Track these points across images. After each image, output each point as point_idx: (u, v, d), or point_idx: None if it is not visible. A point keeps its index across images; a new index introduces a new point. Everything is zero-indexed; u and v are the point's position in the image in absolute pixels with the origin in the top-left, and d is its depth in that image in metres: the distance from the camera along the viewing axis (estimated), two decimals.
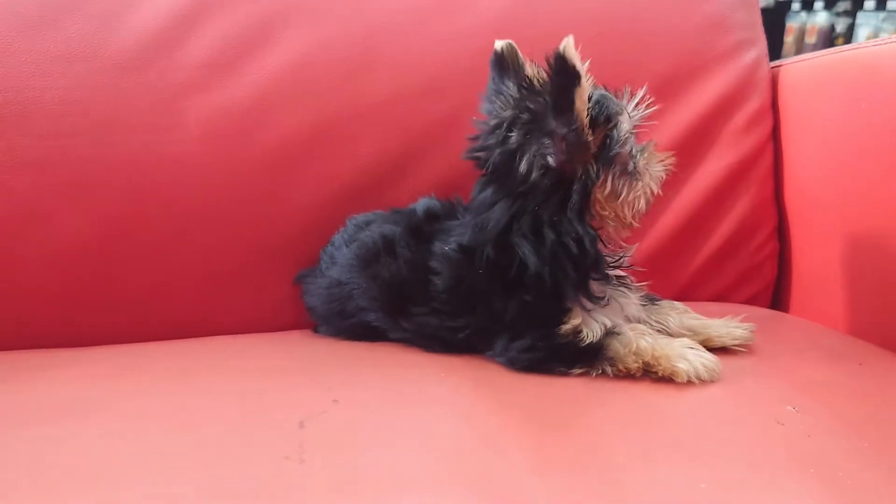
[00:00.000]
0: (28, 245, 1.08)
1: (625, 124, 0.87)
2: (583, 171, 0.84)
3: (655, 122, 0.93)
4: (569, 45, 0.78)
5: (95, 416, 0.77)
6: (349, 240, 1.07)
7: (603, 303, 0.89)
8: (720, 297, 1.32)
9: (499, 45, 0.89)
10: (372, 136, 1.18)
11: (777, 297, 1.35)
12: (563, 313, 0.87)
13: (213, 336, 1.14)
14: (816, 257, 1.24)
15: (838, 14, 5.50)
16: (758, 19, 1.32)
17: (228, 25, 1.15)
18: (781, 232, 1.32)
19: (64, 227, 1.09)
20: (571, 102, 0.79)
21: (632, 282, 0.95)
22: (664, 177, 0.93)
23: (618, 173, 0.86)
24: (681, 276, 1.30)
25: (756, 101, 1.28)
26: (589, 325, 0.87)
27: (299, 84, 1.16)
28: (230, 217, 1.15)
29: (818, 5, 5.35)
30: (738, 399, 0.80)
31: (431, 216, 1.03)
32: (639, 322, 0.93)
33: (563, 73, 0.79)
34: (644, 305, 0.97)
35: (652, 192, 0.91)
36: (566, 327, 0.87)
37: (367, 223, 1.08)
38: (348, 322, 1.04)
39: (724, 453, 0.68)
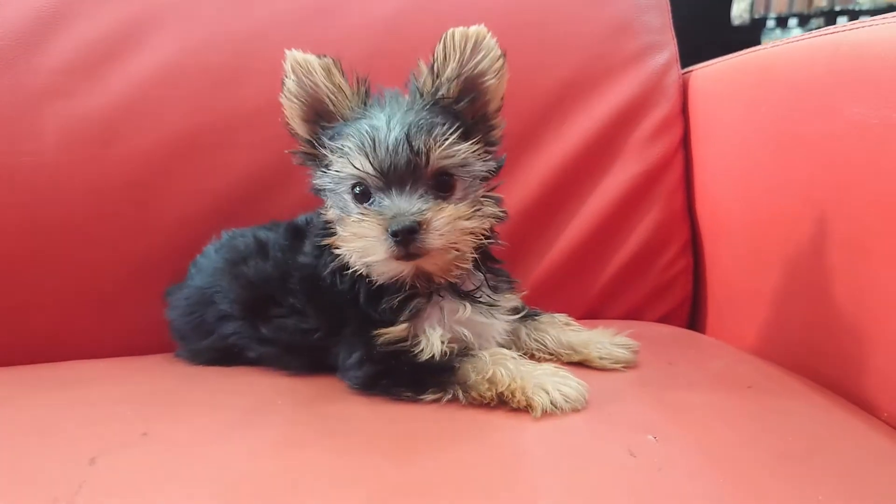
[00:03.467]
0: None
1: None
2: None
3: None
4: None
5: None
6: (220, 247, 1.01)
7: (403, 318, 0.81)
8: (632, 314, 1.25)
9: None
10: (248, 146, 1.11)
11: (695, 314, 1.28)
12: (382, 322, 0.81)
13: (69, 360, 1.06)
14: (728, 273, 1.17)
15: (812, 31, 5.51)
16: (668, 22, 1.26)
17: (92, 28, 1.08)
18: (695, 247, 1.25)
19: None
20: None
21: (501, 301, 0.88)
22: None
23: None
24: (588, 293, 1.23)
25: (664, 108, 1.22)
26: (422, 335, 0.81)
27: (168, 90, 1.09)
28: (95, 233, 1.07)
29: (792, 22, 5.36)
30: (597, 428, 0.72)
31: (297, 232, 0.96)
32: (503, 346, 0.85)
33: None
34: (521, 322, 0.91)
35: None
36: (384, 337, 0.80)
37: (243, 234, 1.01)
38: (205, 339, 0.97)
39: (564, 492, 0.60)
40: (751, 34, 4.32)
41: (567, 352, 0.91)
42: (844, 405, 0.81)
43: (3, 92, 1.04)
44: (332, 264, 0.84)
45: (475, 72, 0.80)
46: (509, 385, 0.75)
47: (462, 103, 0.81)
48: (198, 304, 0.97)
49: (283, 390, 0.83)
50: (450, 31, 0.79)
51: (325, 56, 0.81)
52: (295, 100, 0.83)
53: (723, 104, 1.14)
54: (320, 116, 0.84)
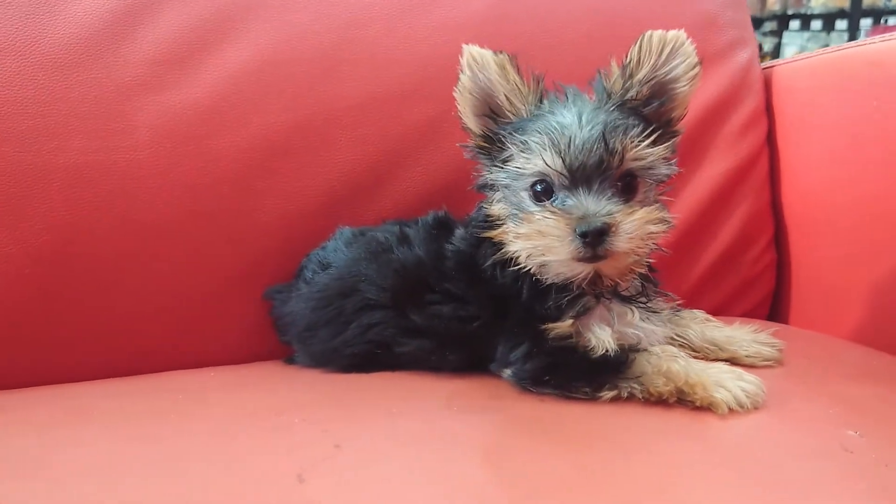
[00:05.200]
0: None
1: None
2: None
3: None
4: None
5: (33, 472, 0.62)
6: (351, 240, 0.96)
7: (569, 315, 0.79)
8: (718, 310, 1.23)
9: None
10: (349, 142, 1.06)
11: (775, 308, 1.28)
12: (547, 317, 0.79)
13: (172, 371, 0.99)
14: (817, 266, 1.18)
15: (765, 34, 5.68)
16: (747, 18, 1.27)
17: (184, 17, 1.01)
18: (778, 241, 1.26)
19: None
20: None
21: (655, 305, 0.86)
22: None
23: None
24: (677, 290, 1.19)
25: (751, 104, 1.22)
26: (589, 333, 0.79)
27: (266, 84, 1.03)
28: (190, 233, 1.01)
29: None
30: (793, 425, 0.71)
31: (441, 223, 0.94)
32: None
33: None
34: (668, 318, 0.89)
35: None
36: (554, 332, 0.78)
37: (374, 228, 0.98)
38: (341, 333, 0.90)
39: (799, 487, 0.59)
40: None
41: (711, 348, 0.89)
42: None
43: (91, 85, 0.96)
44: (494, 258, 0.81)
45: (668, 77, 0.79)
46: (687, 379, 0.73)
47: (651, 107, 0.80)
48: (336, 294, 0.91)
49: (447, 394, 0.79)
50: (647, 34, 0.78)
51: (501, 52, 0.79)
52: (468, 94, 0.81)
53: (818, 99, 1.14)
54: (493, 112, 0.82)
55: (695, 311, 0.94)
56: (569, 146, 0.74)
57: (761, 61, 1.27)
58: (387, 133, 1.08)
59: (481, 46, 0.81)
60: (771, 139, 1.24)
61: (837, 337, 1.08)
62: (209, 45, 1.02)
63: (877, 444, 0.66)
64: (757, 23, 5.77)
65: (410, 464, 0.62)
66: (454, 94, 0.82)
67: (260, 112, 1.03)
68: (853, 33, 5.33)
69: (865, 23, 5.33)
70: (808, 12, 5.70)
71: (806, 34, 5.65)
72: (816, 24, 5.66)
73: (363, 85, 1.07)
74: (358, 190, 1.07)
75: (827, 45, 4.20)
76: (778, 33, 5.74)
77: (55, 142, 0.94)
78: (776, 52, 5.51)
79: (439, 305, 0.86)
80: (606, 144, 0.73)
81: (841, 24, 5.47)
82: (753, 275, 1.24)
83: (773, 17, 5.88)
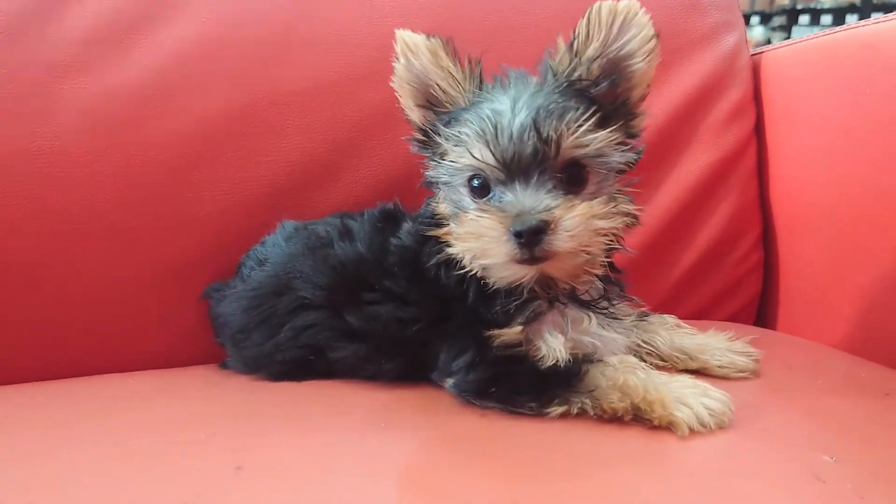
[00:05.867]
0: None
1: None
2: None
3: None
4: None
5: None
6: (291, 235, 0.89)
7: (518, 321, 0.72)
8: (700, 314, 1.16)
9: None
10: (297, 128, 0.99)
11: (762, 312, 1.20)
12: (494, 323, 0.71)
13: (101, 375, 0.92)
14: (806, 269, 1.10)
15: (773, 29, 5.57)
16: (735, 1, 1.18)
17: None
18: (766, 240, 1.17)
19: None
20: None
21: (618, 310, 0.79)
22: None
23: None
24: (657, 291, 1.14)
25: (737, 92, 1.14)
26: (539, 341, 0.71)
27: (208, 65, 0.96)
28: (124, 227, 0.94)
29: (754, 20, 5.41)
30: (761, 448, 0.63)
31: (388, 216, 0.87)
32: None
33: None
34: (633, 324, 0.82)
35: None
36: (501, 339, 0.71)
37: (315, 222, 0.91)
38: (274, 336, 0.83)
39: None
40: None
41: (681, 357, 0.82)
42: None
43: (14, 67, 0.90)
44: (438, 257, 0.74)
45: (621, 53, 0.71)
46: (645, 395, 0.66)
47: (601, 87, 0.71)
48: (270, 293, 0.84)
49: (379, 406, 0.72)
50: (596, 5, 0.69)
51: (434, 36, 0.72)
52: (406, 84, 0.75)
53: (809, 87, 1.06)
54: (431, 102, 0.75)
55: (665, 315, 0.86)
56: (498, 136, 0.66)
57: None
58: (338, 119, 1.00)
59: (429, 29, 0.74)
60: (759, 130, 1.15)
61: (827, 344, 1.00)
62: (146, 24, 0.95)
63: (854, 471, 0.58)
64: (766, 17, 5.67)
65: (313, 491, 0.55)
66: (391, 84, 0.75)
67: (200, 96, 0.96)
68: None
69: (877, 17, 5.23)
70: (818, 7, 5.59)
71: (816, 29, 5.53)
72: (826, 19, 5.55)
73: (314, 68, 0.99)
74: (306, 181, 1.00)
75: None
76: (787, 28, 5.63)
77: None
78: None
79: (378, 306, 0.78)
80: (539, 131, 0.65)
81: (851, 19, 5.35)
82: (738, 276, 1.16)
83: (783, 11, 5.77)
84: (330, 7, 1.01)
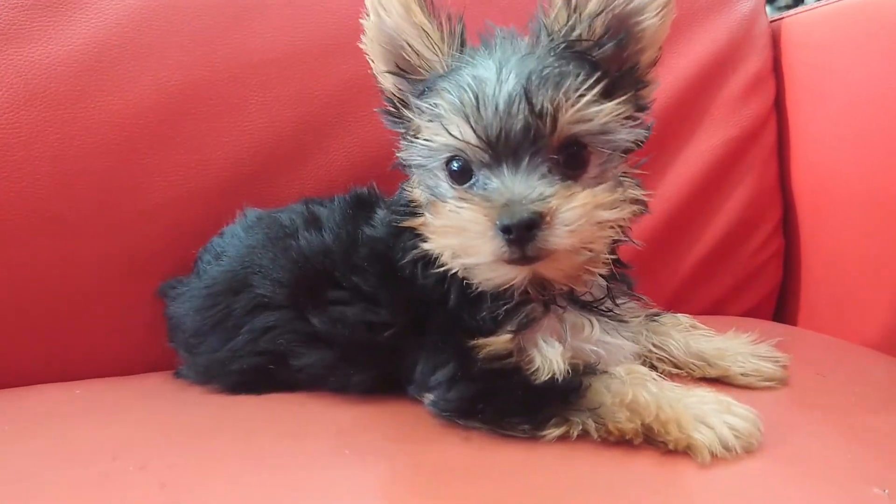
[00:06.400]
0: None
1: None
2: None
3: None
4: None
5: None
6: (251, 225, 0.80)
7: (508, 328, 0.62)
8: (715, 308, 1.08)
9: None
10: (261, 105, 0.90)
11: (781, 305, 1.11)
12: (479, 331, 0.62)
13: (45, 384, 0.84)
14: (832, 258, 1.01)
15: (779, 8, 5.46)
16: None
17: None
18: (787, 227, 1.09)
19: None
20: None
21: (629, 317, 0.69)
22: None
23: None
24: (667, 284, 1.06)
25: (755, 63, 1.05)
26: (533, 350, 0.61)
27: (157, 35, 0.88)
28: (67, 217, 0.84)
29: None
30: (798, 478, 0.53)
31: (361, 202, 0.78)
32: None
33: None
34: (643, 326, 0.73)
35: None
36: (487, 349, 0.61)
37: (281, 210, 0.81)
38: (230, 341, 0.74)
39: None
40: None
41: (698, 363, 0.72)
42: None
43: None
44: (414, 253, 0.64)
45: (629, 7, 0.61)
46: (658, 414, 0.56)
47: (605, 49, 0.61)
48: (224, 292, 0.75)
49: (344, 428, 0.62)
50: None
51: None
52: (377, 45, 0.65)
53: (837, 58, 0.97)
54: (405, 69, 0.65)
55: (678, 315, 0.77)
56: (480, 109, 0.56)
57: None
58: (307, 94, 0.91)
59: None
60: (780, 105, 1.07)
61: (855, 342, 0.91)
62: None
63: None
64: None
65: None
66: (360, 45, 0.66)
67: (150, 70, 0.87)
68: None
69: None
70: None
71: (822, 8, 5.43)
72: None
73: (280, 36, 0.90)
74: (272, 163, 0.91)
75: None
76: (794, 6, 5.51)
77: None
78: None
79: (345, 306, 0.69)
80: (530, 102, 0.55)
81: None
82: (757, 266, 1.07)
83: None
84: None
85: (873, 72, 0.91)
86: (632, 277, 0.72)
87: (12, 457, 0.60)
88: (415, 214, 0.65)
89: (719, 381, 0.71)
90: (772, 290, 1.09)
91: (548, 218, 0.54)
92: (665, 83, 1.00)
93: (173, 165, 0.87)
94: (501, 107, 0.56)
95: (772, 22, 1.08)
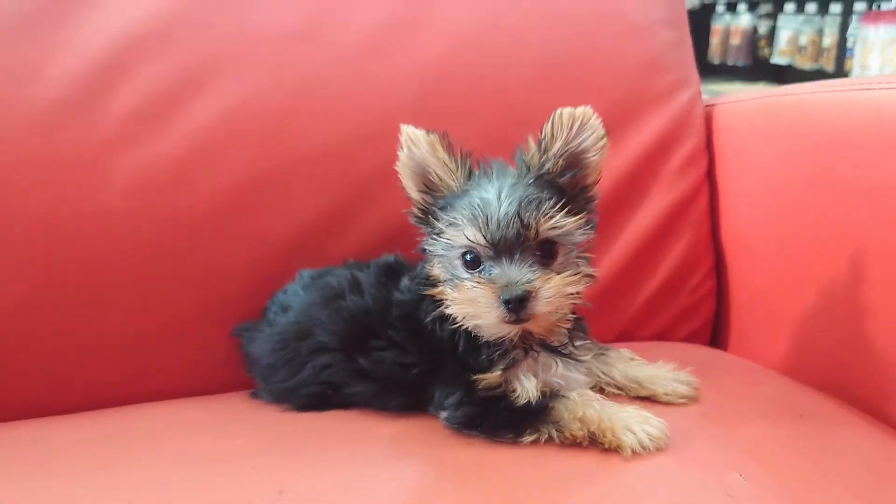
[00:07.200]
0: None
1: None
2: None
3: None
4: None
5: None
6: (307, 285, 1.06)
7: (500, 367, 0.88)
8: (661, 335, 1.33)
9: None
10: (308, 189, 1.14)
11: (716, 333, 1.37)
12: (479, 369, 0.88)
13: (143, 403, 1.09)
14: (753, 295, 1.26)
15: (760, 17, 5.69)
16: (691, 59, 1.34)
17: (155, 76, 1.09)
18: (718, 270, 1.34)
19: None
20: None
21: (584, 356, 0.95)
22: None
23: None
24: (622, 315, 1.30)
25: (692, 142, 1.30)
26: (516, 383, 0.87)
27: (230, 136, 1.11)
28: (159, 275, 1.10)
29: (741, 7, 5.52)
30: (686, 467, 0.79)
31: (391, 271, 1.03)
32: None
33: None
34: (593, 357, 0.98)
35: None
36: (484, 382, 0.87)
37: (324, 273, 1.07)
38: (298, 374, 1.00)
39: None
40: (701, 18, 4.45)
41: (633, 386, 0.97)
42: (883, 429, 0.91)
43: (72, 142, 1.05)
44: (434, 314, 0.90)
45: (580, 148, 0.86)
46: (599, 424, 0.82)
47: (565, 177, 0.87)
48: (293, 337, 1.00)
49: (387, 437, 0.89)
50: (557, 111, 0.85)
51: (432, 132, 0.87)
52: (408, 170, 0.89)
53: (752, 141, 1.21)
54: (428, 187, 0.90)
55: (621, 350, 1.02)
56: (488, 223, 0.82)
57: (756, 45, 1.33)
58: (345, 178, 1.15)
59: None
60: (711, 175, 1.32)
61: (771, 364, 1.15)
62: (178, 102, 1.09)
63: (758, 489, 0.75)
64: (752, 6, 5.79)
65: None
66: (396, 168, 0.90)
67: (224, 162, 1.11)
68: (846, 17, 5.33)
69: (860, 6, 5.35)
70: None
71: (801, 17, 5.65)
72: (811, 7, 5.65)
73: (317, 135, 1.14)
74: (319, 233, 1.15)
75: (821, 30, 4.20)
76: (773, 16, 5.74)
77: (33, 195, 1.04)
78: (771, 36, 5.53)
79: (383, 352, 0.95)
80: (521, 219, 0.81)
81: (835, 8, 5.47)
82: (694, 302, 1.32)
83: None
84: (333, 78, 1.16)
85: (777, 153, 1.15)
86: (586, 326, 0.98)
87: (154, 461, 0.86)
88: (433, 285, 0.90)
89: (648, 399, 0.95)
90: (707, 320, 1.34)
91: (533, 294, 0.80)
92: (623, 159, 1.26)
93: (243, 237, 1.12)
94: (502, 222, 0.81)
95: (705, 107, 1.32)
